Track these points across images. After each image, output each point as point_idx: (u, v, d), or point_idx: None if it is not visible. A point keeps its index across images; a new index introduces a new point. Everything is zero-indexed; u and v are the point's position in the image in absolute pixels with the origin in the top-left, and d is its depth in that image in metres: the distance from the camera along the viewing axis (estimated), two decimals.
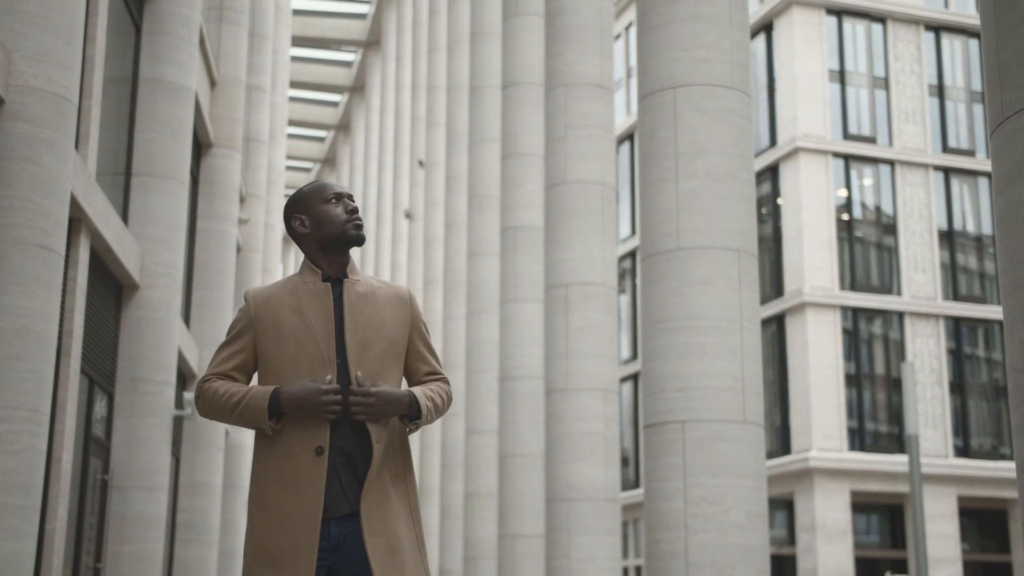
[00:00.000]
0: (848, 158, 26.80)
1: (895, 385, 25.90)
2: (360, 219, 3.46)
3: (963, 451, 26.20)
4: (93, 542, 10.88)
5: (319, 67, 46.66)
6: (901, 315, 26.34)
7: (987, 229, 27.66)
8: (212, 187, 15.55)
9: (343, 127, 50.19)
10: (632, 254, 32.11)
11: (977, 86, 28.37)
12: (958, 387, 26.50)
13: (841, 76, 27.36)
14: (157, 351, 11.31)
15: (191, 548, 14.44)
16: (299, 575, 3.19)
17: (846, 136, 26.99)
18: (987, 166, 27.18)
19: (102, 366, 10.85)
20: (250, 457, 15.24)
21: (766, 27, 27.88)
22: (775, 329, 26.15)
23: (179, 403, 13.70)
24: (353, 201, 3.47)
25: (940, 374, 26.13)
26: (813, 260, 25.70)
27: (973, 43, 28.58)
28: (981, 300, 27.18)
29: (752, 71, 21.85)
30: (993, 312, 26.89)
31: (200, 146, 15.66)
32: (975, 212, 27.84)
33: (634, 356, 31.56)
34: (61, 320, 9.07)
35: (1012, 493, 25.97)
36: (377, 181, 40.56)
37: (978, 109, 28.22)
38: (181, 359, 13.60)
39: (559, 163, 12.57)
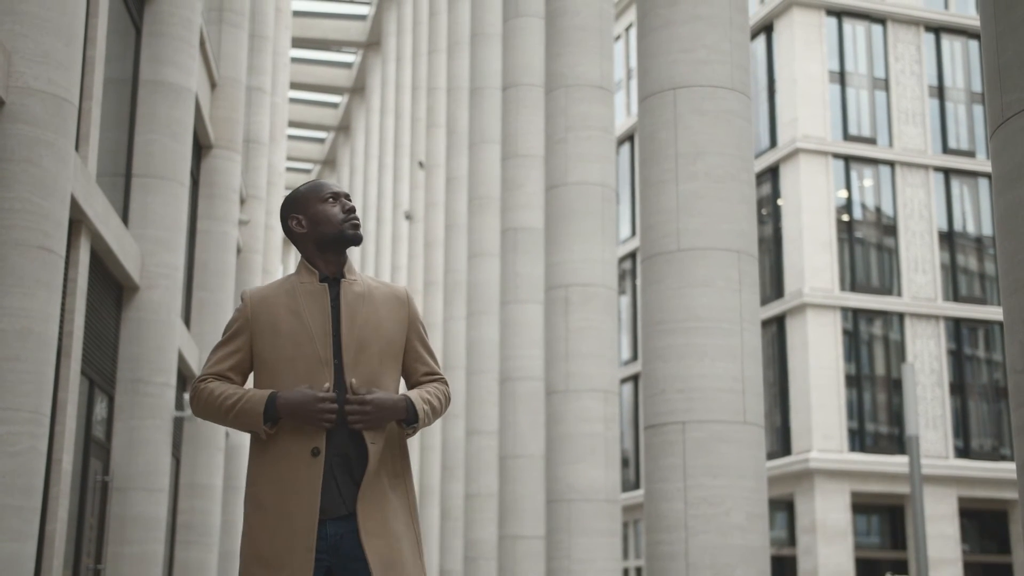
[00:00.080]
0: (848, 159, 26.79)
1: (895, 386, 25.88)
2: (357, 219, 3.45)
3: (963, 452, 26.18)
4: (93, 543, 10.87)
5: (319, 68, 46.64)
6: (901, 316, 26.33)
7: (987, 230, 27.65)
8: (212, 188, 15.55)
9: (343, 128, 50.17)
10: (632, 255, 32.09)
11: (977, 87, 28.36)
12: (958, 388, 26.49)
13: (841, 77, 27.35)
14: (157, 352, 11.31)
15: (191, 550, 14.44)
16: None
17: (846, 137, 26.99)
18: (987, 167, 27.16)
19: (102, 367, 10.85)
20: None
21: (766, 28, 27.87)
22: (775, 330, 26.15)
23: (179, 404, 13.69)
24: (350, 200, 3.45)
25: (940, 375, 26.12)
26: (813, 261, 25.69)
27: (973, 44, 28.57)
28: (981, 301, 27.17)
29: (752, 72, 21.85)
30: (993, 313, 26.88)
31: (200, 147, 15.66)
32: (975, 213, 27.83)
33: (634, 357, 31.55)
34: (61, 321, 9.06)
35: (1012, 494, 25.95)
36: (377, 182, 40.53)
37: (978, 110, 28.21)
38: (181, 360, 13.60)
39: (559, 164, 12.57)
